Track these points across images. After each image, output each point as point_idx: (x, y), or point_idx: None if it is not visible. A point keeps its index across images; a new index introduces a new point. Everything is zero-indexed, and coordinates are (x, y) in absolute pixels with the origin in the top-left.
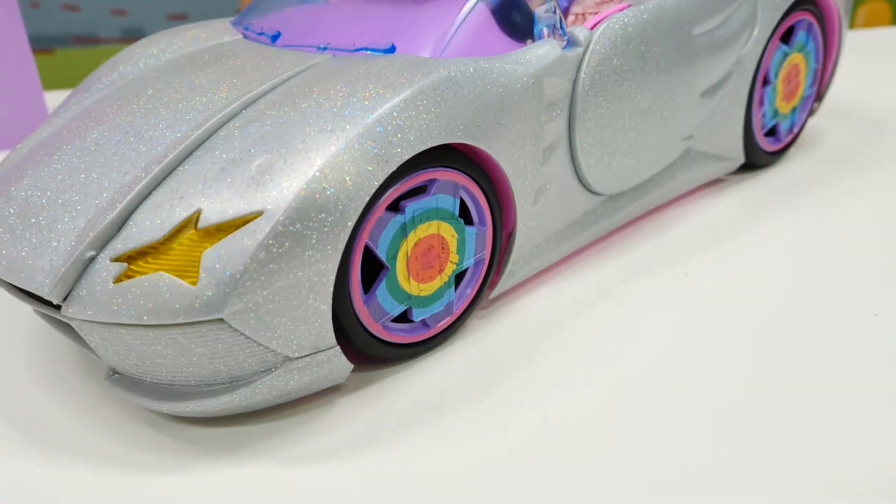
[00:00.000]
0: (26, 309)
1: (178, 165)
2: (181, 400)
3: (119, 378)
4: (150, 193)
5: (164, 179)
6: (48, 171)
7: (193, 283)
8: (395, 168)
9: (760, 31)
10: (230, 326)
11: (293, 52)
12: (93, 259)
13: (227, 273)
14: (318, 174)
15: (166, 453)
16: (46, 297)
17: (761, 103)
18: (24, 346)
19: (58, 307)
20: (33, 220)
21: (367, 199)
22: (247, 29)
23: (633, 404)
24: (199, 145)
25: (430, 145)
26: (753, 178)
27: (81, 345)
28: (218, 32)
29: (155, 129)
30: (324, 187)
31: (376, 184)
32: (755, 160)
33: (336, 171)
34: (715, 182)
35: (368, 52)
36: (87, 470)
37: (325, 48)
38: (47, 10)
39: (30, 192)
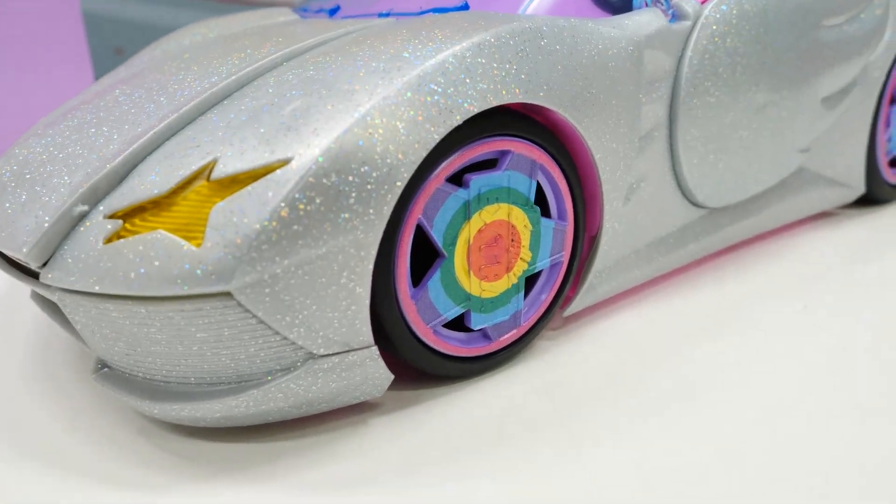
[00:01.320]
0: (28, 301)
1: (201, 115)
2: (177, 401)
3: (108, 373)
4: (162, 144)
5: (181, 129)
6: (57, 129)
7: (197, 245)
8: (461, 122)
9: (893, 36)
10: (239, 304)
11: (351, 20)
12: (84, 216)
13: (240, 233)
14: (363, 117)
15: (155, 469)
16: (24, 261)
17: (888, 124)
18: (23, 341)
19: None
20: (28, 176)
21: (424, 154)
22: (305, 10)
23: (737, 465)
24: (228, 95)
25: (505, 101)
26: (872, 213)
27: (74, 334)
28: (273, 14)
29: (182, 83)
30: (369, 134)
31: (437, 137)
32: (876, 192)
33: (387, 116)
34: (826, 215)
35: (438, 13)
36: (62, 485)
37: (387, 14)
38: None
39: (32, 150)
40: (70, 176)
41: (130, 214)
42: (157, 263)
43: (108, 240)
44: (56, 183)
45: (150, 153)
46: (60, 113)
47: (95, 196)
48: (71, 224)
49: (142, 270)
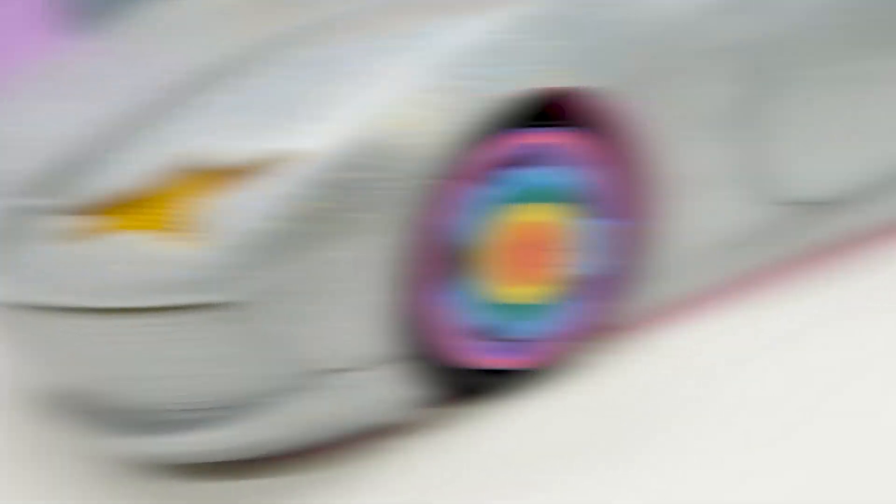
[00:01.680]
0: None
1: (188, 96)
2: (153, 433)
3: (66, 401)
4: (138, 127)
5: (161, 111)
6: (8, 104)
7: (178, 248)
8: (495, 110)
9: None
10: (231, 316)
11: None
12: (35, 212)
13: (231, 234)
14: (383, 105)
15: None
16: None
17: None
18: None
19: None
20: None
21: (451, 147)
22: None
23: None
24: (223, 73)
25: (548, 85)
26: None
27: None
28: None
29: (170, 56)
30: (386, 122)
31: (466, 128)
32: None
33: (407, 103)
34: None
35: None
36: None
37: None
38: None
39: None
40: (19, 162)
41: (93, 211)
42: (125, 269)
43: (65, 241)
44: (3, 171)
45: (122, 138)
46: (15, 81)
47: (49, 188)
48: (18, 222)
49: (106, 278)
